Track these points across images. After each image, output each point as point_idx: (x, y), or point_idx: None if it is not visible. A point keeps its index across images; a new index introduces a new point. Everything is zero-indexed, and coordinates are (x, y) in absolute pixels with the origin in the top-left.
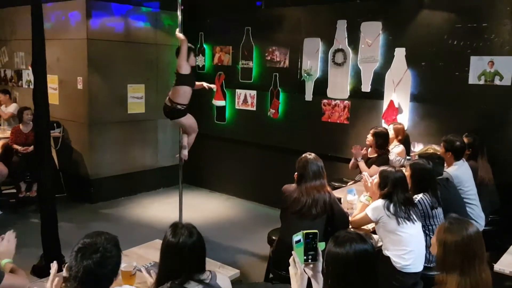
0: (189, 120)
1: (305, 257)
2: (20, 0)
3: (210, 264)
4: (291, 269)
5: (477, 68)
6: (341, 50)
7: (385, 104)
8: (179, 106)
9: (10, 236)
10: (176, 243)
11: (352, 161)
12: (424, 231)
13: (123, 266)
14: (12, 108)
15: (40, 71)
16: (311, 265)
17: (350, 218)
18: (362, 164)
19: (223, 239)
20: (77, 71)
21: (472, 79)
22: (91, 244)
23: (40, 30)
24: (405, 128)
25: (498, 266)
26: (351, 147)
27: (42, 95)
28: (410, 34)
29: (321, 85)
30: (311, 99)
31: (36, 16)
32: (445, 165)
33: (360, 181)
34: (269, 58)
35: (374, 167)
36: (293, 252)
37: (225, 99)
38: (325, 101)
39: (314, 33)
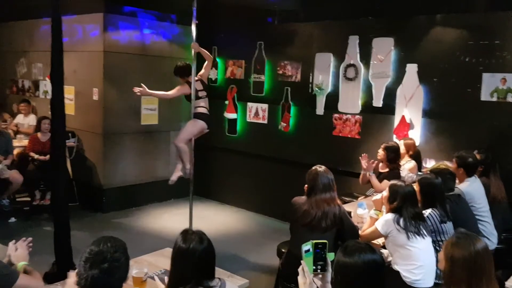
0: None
1: (314, 267)
2: (39, 13)
3: (220, 273)
4: (300, 278)
5: (490, 85)
6: (353, 65)
7: (397, 119)
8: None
9: (21, 244)
10: (187, 249)
11: (362, 173)
12: (434, 247)
13: (134, 272)
14: (32, 120)
15: (58, 82)
16: (320, 275)
17: (359, 232)
18: (373, 179)
19: (233, 251)
20: (93, 82)
21: (485, 96)
22: (98, 253)
23: (59, 42)
24: (417, 144)
25: (510, 283)
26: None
27: (59, 106)
28: (422, 50)
29: (333, 99)
30: (322, 113)
31: (55, 29)
32: (457, 181)
33: (371, 196)
34: (281, 72)
35: (385, 182)
36: (302, 261)
37: (236, 112)
38: (336, 115)
39: (326, 48)
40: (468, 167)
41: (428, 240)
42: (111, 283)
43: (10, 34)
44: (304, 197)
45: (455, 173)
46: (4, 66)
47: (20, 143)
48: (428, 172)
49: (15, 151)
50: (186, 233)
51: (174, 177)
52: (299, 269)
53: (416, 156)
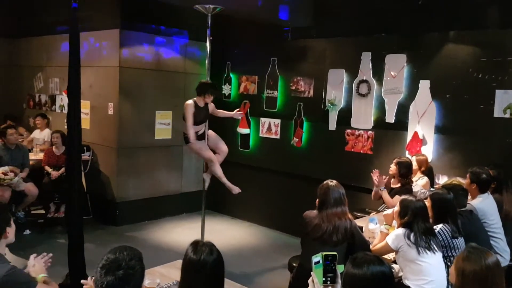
0: (192, 148)
1: (323, 279)
2: (57, 29)
3: (231, 286)
4: None
5: (503, 102)
6: (366, 81)
7: (409, 135)
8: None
9: (38, 260)
10: (198, 260)
11: (374, 189)
12: (445, 262)
13: (147, 282)
14: (47, 135)
15: (74, 96)
16: (330, 287)
17: (370, 247)
18: (385, 194)
19: (244, 266)
20: (108, 97)
21: (498, 113)
22: (114, 261)
23: (76, 57)
24: (429, 160)
25: None
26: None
27: (75, 120)
28: (434, 67)
29: (345, 115)
30: (334, 129)
31: (73, 44)
32: (469, 197)
33: (383, 211)
34: (293, 87)
35: (397, 197)
36: (312, 273)
37: (249, 127)
38: (348, 131)
39: (339, 64)
40: (481, 183)
41: (439, 255)
42: None
43: (28, 49)
44: (315, 211)
45: (467, 189)
46: (22, 80)
47: (36, 156)
48: (440, 187)
49: (31, 164)
50: (197, 245)
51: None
52: (309, 281)
53: (429, 172)
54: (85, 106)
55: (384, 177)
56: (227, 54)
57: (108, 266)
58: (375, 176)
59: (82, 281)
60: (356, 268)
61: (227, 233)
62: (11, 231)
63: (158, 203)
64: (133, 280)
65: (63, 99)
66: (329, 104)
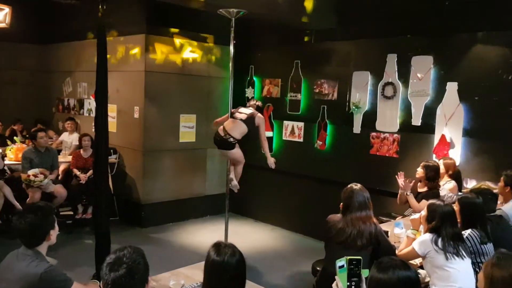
0: (236, 153)
1: (348, 283)
2: (85, 34)
3: (253, 287)
4: None
5: None
6: (391, 83)
7: (436, 139)
8: (231, 139)
9: None
10: (221, 262)
11: (400, 193)
12: (474, 269)
13: (171, 283)
14: (75, 138)
15: (102, 100)
16: None
17: (396, 252)
18: (411, 199)
19: (267, 269)
20: (134, 101)
21: None
22: (117, 258)
23: (104, 62)
24: (457, 164)
25: None
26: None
27: (102, 123)
28: (462, 69)
29: (370, 118)
30: (359, 132)
31: (100, 50)
32: (498, 202)
33: (409, 216)
34: (317, 90)
35: (424, 201)
36: (336, 277)
37: (272, 130)
38: (373, 134)
39: (364, 67)
40: None
41: (467, 262)
42: (132, 285)
43: (57, 55)
44: (339, 215)
45: (501, 192)
46: (51, 85)
47: (64, 158)
48: (469, 191)
49: (61, 167)
50: (219, 246)
51: (234, 182)
52: (333, 285)
53: (456, 176)
54: (112, 110)
55: (409, 180)
56: (250, 58)
57: (111, 264)
58: (400, 179)
59: None
60: (382, 273)
61: (250, 236)
62: (54, 233)
63: (183, 205)
64: (137, 274)
65: (91, 103)
66: (353, 107)
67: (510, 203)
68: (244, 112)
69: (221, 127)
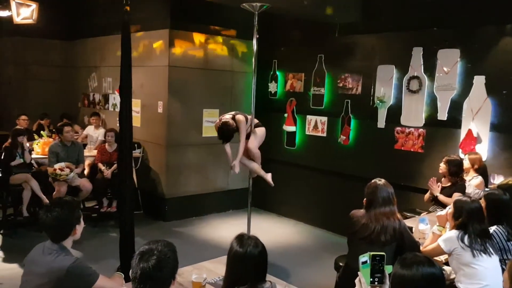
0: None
1: (371, 279)
2: (110, 30)
3: (276, 282)
4: None
5: None
6: (417, 77)
7: (463, 133)
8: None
9: None
10: (244, 253)
11: (428, 195)
12: (501, 266)
13: (194, 277)
14: (101, 134)
15: (126, 95)
16: None
17: (421, 248)
18: (442, 197)
19: (290, 264)
20: (158, 96)
21: None
22: (149, 249)
23: (128, 57)
24: (484, 159)
25: None
26: (426, 177)
27: (127, 118)
28: (490, 62)
29: (395, 112)
30: (383, 126)
31: (125, 45)
32: None
33: (434, 212)
34: (341, 85)
35: (455, 194)
36: (359, 272)
37: (295, 125)
38: (398, 128)
39: (388, 60)
40: None
41: (495, 259)
42: (159, 277)
43: (83, 51)
44: (362, 210)
45: None
46: (77, 80)
47: (90, 153)
48: (496, 187)
49: (87, 162)
50: (242, 238)
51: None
52: (356, 281)
53: (483, 171)
54: (136, 105)
55: (436, 180)
56: (273, 52)
57: (142, 254)
58: (433, 186)
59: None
60: (405, 269)
61: (273, 231)
62: (80, 228)
63: (205, 200)
64: (166, 266)
65: (115, 98)
66: (378, 101)
67: None
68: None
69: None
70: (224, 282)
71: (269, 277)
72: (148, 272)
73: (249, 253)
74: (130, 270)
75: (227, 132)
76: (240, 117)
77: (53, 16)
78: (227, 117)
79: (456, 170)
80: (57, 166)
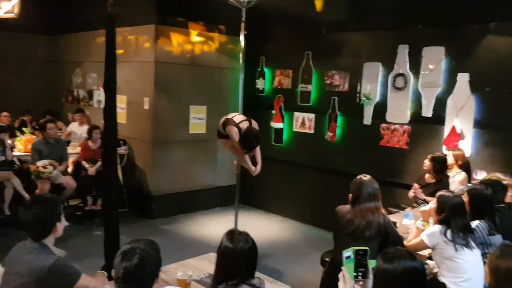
0: (225, 144)
1: (355, 274)
2: (94, 25)
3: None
4: (340, 284)
5: None
6: (402, 74)
7: (447, 130)
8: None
9: None
10: (234, 248)
11: (412, 194)
12: (482, 260)
13: (179, 274)
14: (84, 131)
15: (111, 91)
16: (361, 282)
17: (404, 243)
18: (429, 199)
19: (277, 260)
20: (144, 92)
21: None
22: (131, 249)
23: (112, 53)
24: (467, 155)
25: None
26: (410, 173)
27: (111, 114)
28: (474, 60)
29: (381, 109)
30: (369, 123)
31: (109, 40)
32: (508, 194)
33: (418, 207)
34: (328, 82)
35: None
36: (343, 267)
37: (283, 122)
38: (384, 125)
39: (375, 58)
40: None
41: (477, 253)
42: (142, 276)
43: (66, 46)
44: (348, 206)
45: (507, 184)
46: (60, 76)
47: (74, 150)
48: (478, 183)
49: (70, 159)
50: (233, 233)
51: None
52: (340, 275)
53: (466, 167)
54: (121, 101)
55: (421, 191)
56: (261, 48)
57: (124, 253)
58: (416, 192)
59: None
60: (387, 263)
61: (260, 227)
62: (61, 226)
63: (193, 197)
64: (148, 265)
65: (100, 94)
66: (364, 98)
67: None
68: (234, 118)
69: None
70: (213, 277)
71: (256, 275)
72: (131, 272)
73: (239, 248)
74: (112, 270)
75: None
76: (254, 123)
77: (36, 10)
78: (245, 124)
79: (440, 168)
80: (40, 163)
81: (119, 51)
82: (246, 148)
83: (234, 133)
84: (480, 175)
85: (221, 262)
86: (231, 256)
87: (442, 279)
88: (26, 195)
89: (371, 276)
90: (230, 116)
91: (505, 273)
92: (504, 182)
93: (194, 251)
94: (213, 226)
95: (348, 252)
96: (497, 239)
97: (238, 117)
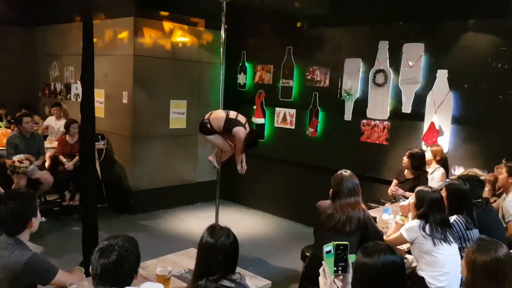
0: (213, 140)
1: (335, 268)
2: (71, 17)
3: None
4: (321, 278)
5: None
6: (382, 70)
7: (426, 126)
8: (208, 125)
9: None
10: (215, 243)
11: (390, 193)
12: (460, 254)
13: (158, 270)
14: (62, 125)
15: (88, 85)
16: (341, 277)
17: (384, 238)
18: (408, 194)
19: (257, 255)
20: (123, 86)
21: None
22: (109, 245)
23: (90, 46)
24: (445, 151)
25: None
26: (390, 168)
27: (89, 108)
28: (453, 56)
29: (361, 105)
30: (350, 119)
31: (86, 33)
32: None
33: (397, 202)
34: (309, 77)
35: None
36: (323, 262)
37: (264, 117)
38: (364, 121)
39: (355, 54)
40: None
41: (454, 247)
42: (120, 273)
43: (43, 38)
44: (328, 201)
45: (485, 180)
46: (37, 69)
47: (51, 144)
48: (456, 178)
49: (48, 154)
50: (214, 228)
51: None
52: (320, 270)
53: (444, 162)
54: (99, 95)
55: (398, 189)
56: (242, 43)
57: (102, 250)
58: (395, 194)
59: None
60: (367, 257)
61: (241, 223)
62: (36, 221)
63: (173, 192)
64: (127, 262)
65: (78, 88)
66: (345, 94)
67: None
68: (238, 118)
69: (210, 112)
70: (193, 273)
71: (237, 270)
72: (109, 269)
73: (220, 243)
74: (90, 267)
75: (201, 127)
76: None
77: (12, 1)
78: (247, 124)
79: (418, 164)
80: (16, 158)
81: (97, 44)
82: (249, 148)
83: (243, 133)
84: (458, 171)
85: (202, 257)
86: (212, 251)
87: (420, 273)
88: (2, 191)
89: (351, 270)
90: (231, 115)
91: (481, 267)
92: (482, 178)
93: (174, 247)
94: (194, 222)
95: (328, 247)
96: (475, 233)
97: (241, 117)
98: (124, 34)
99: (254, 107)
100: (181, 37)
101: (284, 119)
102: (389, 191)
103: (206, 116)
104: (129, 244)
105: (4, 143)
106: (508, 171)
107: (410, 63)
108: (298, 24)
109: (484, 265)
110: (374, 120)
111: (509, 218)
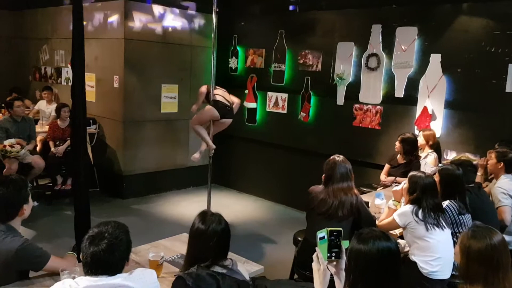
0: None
1: (328, 254)
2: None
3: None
4: (314, 264)
5: None
6: (375, 54)
7: (419, 110)
8: (228, 107)
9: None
10: (206, 230)
11: (383, 179)
12: (452, 239)
13: (151, 255)
14: (53, 109)
15: (78, 69)
16: (334, 263)
17: (376, 222)
18: (399, 179)
19: (250, 239)
20: (114, 70)
21: (510, 87)
22: (99, 232)
23: (80, 29)
24: (438, 135)
25: None
26: (382, 153)
27: (79, 92)
28: (446, 40)
29: (353, 89)
30: (342, 103)
31: (76, 16)
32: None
33: (390, 186)
34: (301, 61)
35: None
36: (316, 248)
37: (256, 102)
38: (356, 105)
39: (348, 37)
40: (508, 162)
41: (447, 232)
42: (111, 261)
43: (33, 21)
44: (321, 186)
45: (492, 169)
46: (27, 53)
47: (42, 128)
48: (449, 163)
49: (39, 138)
50: (205, 215)
51: (196, 155)
52: (314, 256)
53: (437, 147)
54: (90, 79)
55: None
56: (234, 27)
57: (92, 237)
58: (387, 182)
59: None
60: (362, 244)
61: (233, 207)
62: (28, 208)
63: (165, 177)
64: (117, 250)
65: (68, 72)
66: (337, 78)
67: (504, 180)
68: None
69: (220, 97)
70: (186, 258)
71: (229, 255)
72: (100, 256)
73: (211, 230)
74: (81, 254)
75: (230, 113)
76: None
77: None
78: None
79: (410, 149)
80: (7, 142)
81: (88, 27)
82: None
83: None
84: (450, 156)
85: (193, 243)
86: (203, 238)
87: (413, 258)
88: None
89: (344, 256)
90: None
91: (476, 254)
92: (474, 162)
93: (166, 232)
94: (186, 206)
95: (322, 233)
96: (467, 218)
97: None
98: (114, 17)
99: (246, 91)
100: (172, 20)
101: (276, 103)
102: (382, 176)
103: (227, 102)
104: (120, 231)
105: None
106: (497, 157)
107: (403, 47)
108: (290, 7)
109: (478, 252)
110: (367, 104)
111: (498, 204)
